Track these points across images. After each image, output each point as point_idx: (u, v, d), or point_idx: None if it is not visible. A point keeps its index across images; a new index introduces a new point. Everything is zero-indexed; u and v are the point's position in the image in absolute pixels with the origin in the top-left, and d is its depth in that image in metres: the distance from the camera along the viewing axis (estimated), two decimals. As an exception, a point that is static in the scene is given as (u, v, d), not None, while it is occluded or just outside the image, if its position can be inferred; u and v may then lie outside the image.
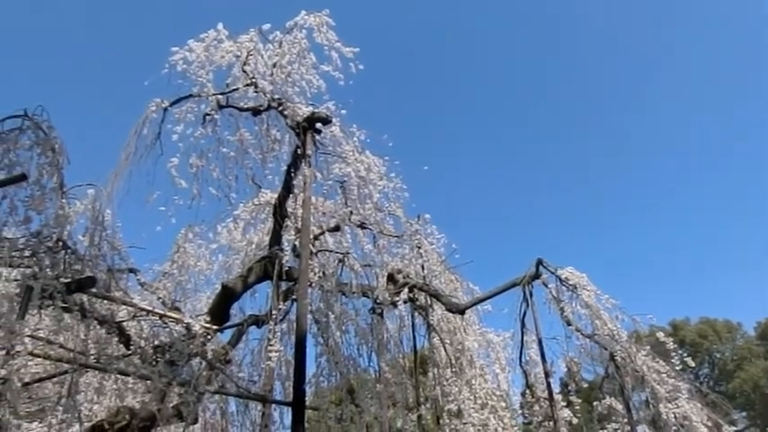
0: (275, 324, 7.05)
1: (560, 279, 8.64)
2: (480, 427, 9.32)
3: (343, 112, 7.67)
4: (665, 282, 63.48)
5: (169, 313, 6.68)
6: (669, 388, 8.31)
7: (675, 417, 8.06)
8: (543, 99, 79.08)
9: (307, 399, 5.94)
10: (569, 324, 8.54)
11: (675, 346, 8.57)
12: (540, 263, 8.59)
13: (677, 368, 8.42)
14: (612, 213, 71.34)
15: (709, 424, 8.26)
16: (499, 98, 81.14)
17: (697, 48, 67.25)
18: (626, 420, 8.45)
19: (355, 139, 7.89)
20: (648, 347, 8.74)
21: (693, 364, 8.74)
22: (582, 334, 8.52)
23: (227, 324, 7.75)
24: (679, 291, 61.59)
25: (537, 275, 8.61)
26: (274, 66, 7.43)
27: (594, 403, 9.15)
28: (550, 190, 74.79)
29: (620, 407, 8.70)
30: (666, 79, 71.29)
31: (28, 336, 5.05)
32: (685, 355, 8.53)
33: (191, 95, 7.24)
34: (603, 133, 75.60)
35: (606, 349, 8.38)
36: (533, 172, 77.92)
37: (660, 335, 8.73)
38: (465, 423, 9.28)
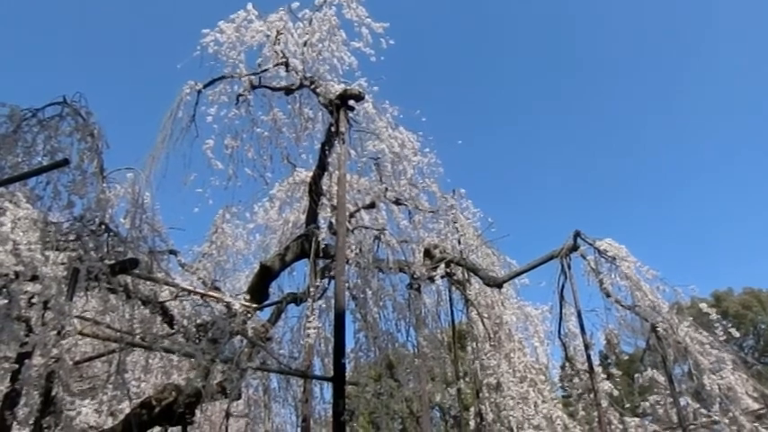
0: (313, 301, 7.13)
1: (599, 251, 8.51)
2: (520, 400, 9.33)
3: (376, 88, 7.60)
4: (706, 253, 61.96)
5: (210, 293, 6.81)
6: (713, 359, 8.17)
7: (719, 388, 7.93)
8: (580, 66, 77.24)
9: (346, 374, 5.99)
10: (608, 296, 8.43)
11: (719, 317, 8.40)
12: (577, 235, 8.47)
13: (721, 339, 8.26)
14: (652, 185, 69.63)
15: (755, 395, 8.12)
16: (534, 69, 79.54)
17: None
18: (668, 392, 8.35)
19: (388, 115, 7.83)
20: (691, 319, 8.59)
21: (738, 335, 8.55)
22: (622, 305, 8.41)
23: (267, 302, 7.85)
24: (721, 261, 60.02)
25: (575, 247, 8.49)
26: (305, 44, 7.40)
27: (635, 375, 9.06)
28: (588, 161, 73.36)
29: (661, 379, 8.60)
30: (714, 41, 68.82)
31: (76, 316, 5.23)
32: (729, 326, 8.35)
33: (223, 77, 7.26)
34: (646, 98, 73.55)
35: (647, 321, 8.25)
36: (570, 143, 76.49)
37: (703, 306, 8.55)
38: (504, 396, 9.31)
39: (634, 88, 72.65)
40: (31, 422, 4.15)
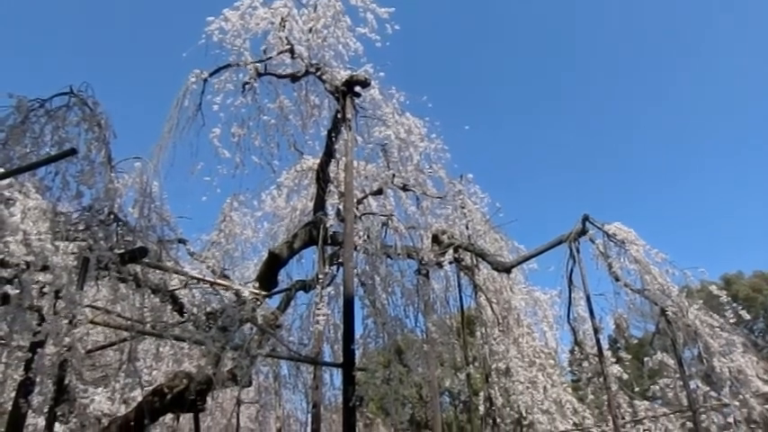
0: (322, 288, 7.15)
1: (608, 234, 8.48)
2: (529, 385, 9.37)
3: (382, 74, 7.58)
4: (716, 236, 61.62)
5: (219, 281, 6.84)
6: (723, 342, 8.14)
7: (730, 371, 7.92)
8: (587, 48, 76.52)
9: (356, 360, 6.02)
10: (618, 280, 8.41)
11: (729, 299, 8.36)
12: (586, 219, 8.43)
13: (731, 322, 8.23)
14: (660, 169, 69.20)
15: (765, 377, 8.08)
16: (538, 51, 78.91)
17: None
18: (678, 375, 8.34)
19: (395, 101, 7.80)
20: (701, 302, 8.55)
21: (749, 317, 8.51)
22: (631, 289, 8.38)
23: (276, 290, 7.88)
24: (731, 245, 59.68)
25: (583, 232, 8.46)
26: (310, 30, 7.36)
27: (645, 359, 9.05)
28: (595, 146, 72.90)
29: (671, 362, 8.59)
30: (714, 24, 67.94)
31: (87, 306, 5.26)
32: (739, 308, 8.31)
33: (229, 65, 7.24)
34: (650, 82, 72.92)
35: (657, 304, 8.22)
36: (577, 127, 76.00)
37: (713, 288, 8.51)
38: (513, 381, 9.34)
39: (641, 72, 71.99)
40: (45, 410, 4.20)
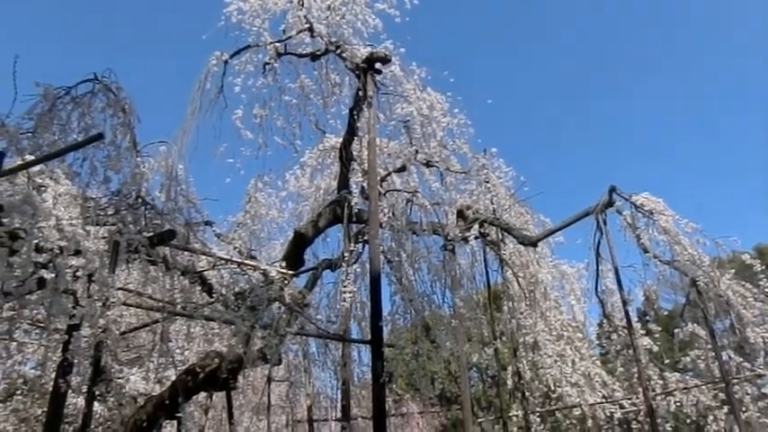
0: (348, 266, 7.18)
1: (635, 205, 8.36)
2: (557, 358, 9.36)
3: (402, 50, 7.51)
4: (748, 205, 60.31)
5: (246, 261, 6.91)
6: (756, 312, 8.04)
7: (764, 341, 7.82)
8: (606, 24, 74.81)
9: (384, 337, 6.06)
10: (646, 251, 8.30)
11: (762, 268, 8.21)
12: (613, 190, 8.29)
13: (765, 291, 8.10)
14: (687, 137, 67.73)
15: (801, 347, 7.98)
16: (562, 24, 77.36)
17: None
18: (710, 347, 8.25)
19: (416, 77, 7.73)
20: (733, 272, 8.42)
21: (783, 286, 8.36)
22: (660, 261, 8.27)
23: (302, 269, 7.94)
24: (764, 213, 58.33)
25: (610, 203, 8.33)
26: (328, 8, 7.31)
27: (675, 330, 8.96)
28: (622, 114, 71.60)
29: (702, 333, 8.50)
30: None
31: (119, 288, 5.37)
32: (773, 278, 8.18)
33: (249, 46, 7.24)
34: (671, 48, 71.11)
35: (687, 275, 8.12)
36: (604, 97, 74.65)
37: (746, 257, 8.35)
38: (541, 355, 9.34)
39: (667, 38, 70.20)
40: (84, 390, 4.31)
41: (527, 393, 9.56)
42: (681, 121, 69.06)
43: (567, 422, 10.07)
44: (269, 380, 9.64)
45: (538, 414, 9.76)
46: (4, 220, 3.99)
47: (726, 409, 8.31)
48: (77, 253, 4.19)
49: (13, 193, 4.17)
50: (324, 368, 9.82)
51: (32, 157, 4.35)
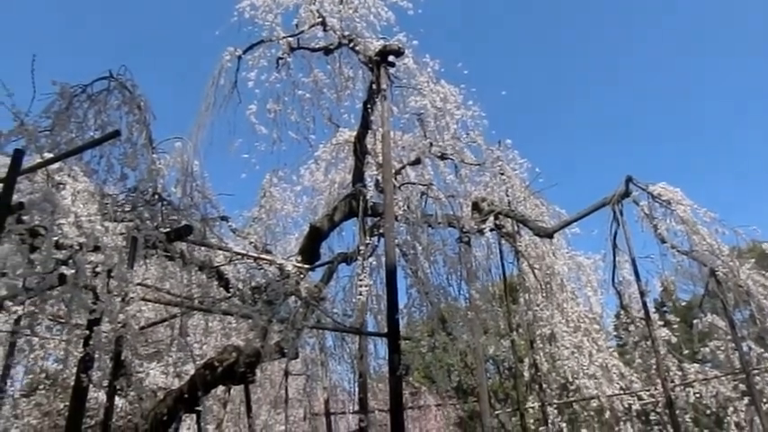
0: (364, 260, 7.20)
1: (652, 195, 8.26)
2: (574, 350, 9.31)
3: (415, 42, 7.49)
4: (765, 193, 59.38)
5: (263, 256, 6.94)
6: (777, 302, 7.93)
7: (785, 331, 7.73)
8: (620, 13, 73.97)
9: (400, 329, 6.07)
10: (664, 242, 8.21)
11: (783, 257, 8.12)
12: (629, 180, 8.20)
13: (787, 281, 8.00)
14: (703, 125, 66.82)
15: (823, 337, 7.88)
16: (574, 11, 76.62)
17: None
18: (729, 337, 8.17)
19: (429, 69, 7.72)
20: (753, 261, 8.31)
21: (805, 276, 8.24)
22: (678, 251, 8.18)
23: (318, 263, 7.98)
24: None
25: (627, 194, 8.24)
26: (341, 2, 7.32)
27: (694, 321, 8.87)
28: (637, 103, 70.85)
29: (722, 324, 8.42)
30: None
31: (138, 284, 5.42)
32: (794, 267, 8.07)
33: (262, 41, 7.26)
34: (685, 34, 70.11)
35: (706, 265, 8.02)
36: (619, 86, 73.91)
37: (766, 246, 8.24)
38: (558, 347, 9.30)
39: (678, 24, 69.29)
40: (105, 384, 4.37)
41: (544, 385, 9.53)
42: (699, 108, 68.13)
43: (585, 414, 10.02)
44: (286, 373, 9.71)
45: (555, 406, 9.73)
46: (25, 218, 4.05)
47: (746, 400, 8.24)
48: (96, 249, 4.23)
49: (32, 191, 4.22)
50: (340, 361, 9.88)
51: (51, 155, 4.39)
